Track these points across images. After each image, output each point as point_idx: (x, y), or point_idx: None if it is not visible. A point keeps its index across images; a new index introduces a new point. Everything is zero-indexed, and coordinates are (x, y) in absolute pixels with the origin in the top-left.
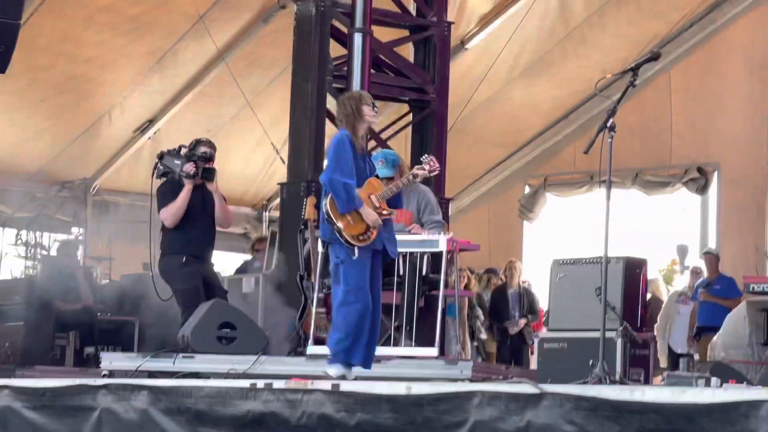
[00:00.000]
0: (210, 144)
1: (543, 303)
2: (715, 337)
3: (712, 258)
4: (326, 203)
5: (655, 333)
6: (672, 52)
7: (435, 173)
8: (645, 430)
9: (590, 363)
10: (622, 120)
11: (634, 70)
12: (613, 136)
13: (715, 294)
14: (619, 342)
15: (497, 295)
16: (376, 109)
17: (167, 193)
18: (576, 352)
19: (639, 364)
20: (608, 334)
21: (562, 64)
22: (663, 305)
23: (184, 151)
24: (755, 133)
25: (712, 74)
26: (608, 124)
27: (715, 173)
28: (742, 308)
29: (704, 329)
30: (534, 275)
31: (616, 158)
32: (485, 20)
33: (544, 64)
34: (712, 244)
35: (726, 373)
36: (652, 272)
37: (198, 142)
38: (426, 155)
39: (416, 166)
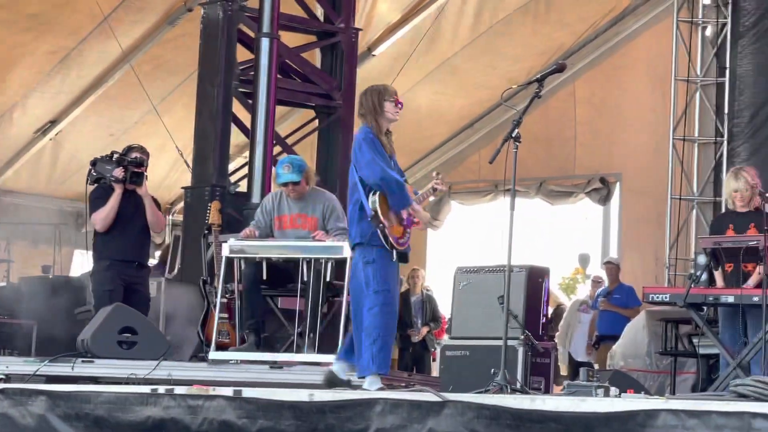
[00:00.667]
0: (142, 150)
1: (446, 310)
2: (614, 346)
3: (612, 267)
4: (375, 200)
5: (557, 341)
6: (577, 63)
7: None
8: None
9: (492, 371)
10: (527, 130)
11: (539, 81)
12: (518, 146)
13: (615, 303)
14: (520, 350)
15: (400, 302)
16: (400, 105)
17: (99, 198)
18: (478, 360)
19: (540, 373)
20: (510, 343)
21: (469, 73)
22: (564, 314)
23: (116, 156)
24: (657, 145)
25: (615, 86)
26: (513, 135)
27: (618, 184)
28: (641, 317)
29: (604, 338)
30: (438, 283)
31: (520, 167)
32: (393, 27)
33: (450, 72)
34: (613, 254)
35: (624, 382)
36: (556, 281)
37: (130, 148)
38: (436, 172)
39: (434, 181)
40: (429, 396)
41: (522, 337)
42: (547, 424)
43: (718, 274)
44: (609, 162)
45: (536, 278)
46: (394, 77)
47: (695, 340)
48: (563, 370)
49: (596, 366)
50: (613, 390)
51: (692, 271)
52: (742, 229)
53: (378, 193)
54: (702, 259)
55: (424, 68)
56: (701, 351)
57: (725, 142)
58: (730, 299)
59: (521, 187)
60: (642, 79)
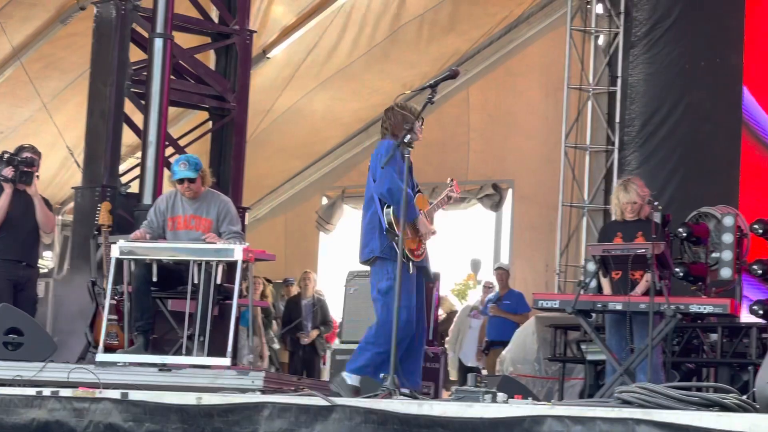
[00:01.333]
0: (33, 150)
1: (339, 315)
2: (504, 352)
3: (503, 273)
4: (390, 212)
5: (447, 346)
6: (471, 70)
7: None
8: None
9: (381, 376)
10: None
11: (433, 86)
12: (410, 152)
13: (505, 309)
14: None
15: (291, 305)
16: (422, 125)
17: None
18: None
19: (429, 378)
20: None
21: (364, 78)
22: (455, 319)
23: (6, 156)
24: (549, 153)
25: (509, 93)
26: (405, 140)
27: (510, 190)
28: (531, 323)
29: (494, 343)
30: (330, 286)
31: (414, 172)
32: (288, 30)
33: (345, 76)
34: (505, 260)
35: (513, 387)
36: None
37: (21, 148)
38: (450, 179)
39: (448, 189)
40: (317, 400)
41: None
42: (435, 429)
43: (606, 282)
44: (501, 168)
45: (427, 283)
46: (289, 80)
47: (583, 347)
48: (453, 376)
49: (486, 371)
50: (501, 396)
51: (582, 278)
52: (629, 237)
53: (391, 207)
54: (591, 267)
55: (321, 73)
56: (589, 357)
57: (616, 151)
58: (618, 306)
59: None
60: (535, 87)
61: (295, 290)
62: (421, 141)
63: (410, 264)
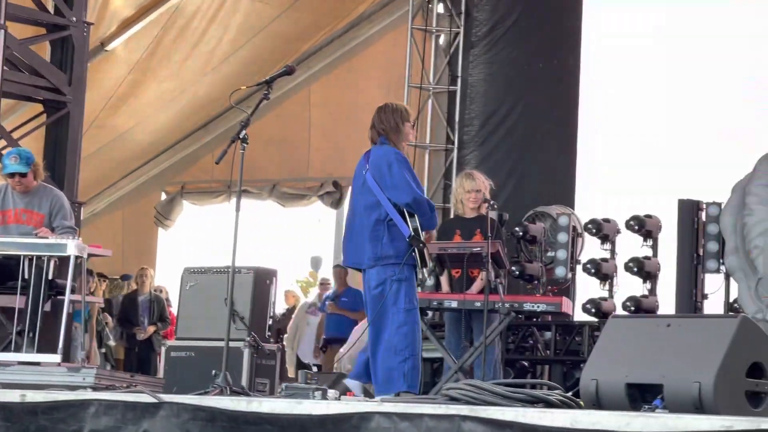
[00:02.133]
0: None
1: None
2: (341, 349)
3: (341, 271)
4: (416, 221)
5: (285, 343)
6: (313, 67)
7: None
8: None
9: (213, 373)
10: (262, 132)
11: (268, 82)
12: (246, 147)
13: (343, 306)
14: (246, 352)
15: (127, 302)
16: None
17: None
18: (203, 361)
19: (265, 374)
20: (235, 344)
21: (204, 73)
22: (293, 316)
23: None
24: None
25: (350, 91)
26: (240, 136)
27: (350, 188)
28: None
29: (331, 341)
30: (169, 283)
31: (254, 169)
32: (127, 23)
33: (186, 70)
34: None
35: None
36: (290, 283)
37: None
38: None
39: None
40: (145, 397)
41: (248, 338)
42: (263, 426)
43: (443, 279)
44: (342, 166)
45: (264, 280)
46: (127, 74)
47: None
48: (291, 373)
49: (323, 368)
50: (332, 393)
51: (420, 276)
52: (468, 234)
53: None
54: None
55: (158, 66)
56: (425, 355)
57: (455, 150)
58: (454, 304)
59: (254, 188)
60: (376, 85)
61: (131, 287)
62: (263, 137)
63: (425, 270)
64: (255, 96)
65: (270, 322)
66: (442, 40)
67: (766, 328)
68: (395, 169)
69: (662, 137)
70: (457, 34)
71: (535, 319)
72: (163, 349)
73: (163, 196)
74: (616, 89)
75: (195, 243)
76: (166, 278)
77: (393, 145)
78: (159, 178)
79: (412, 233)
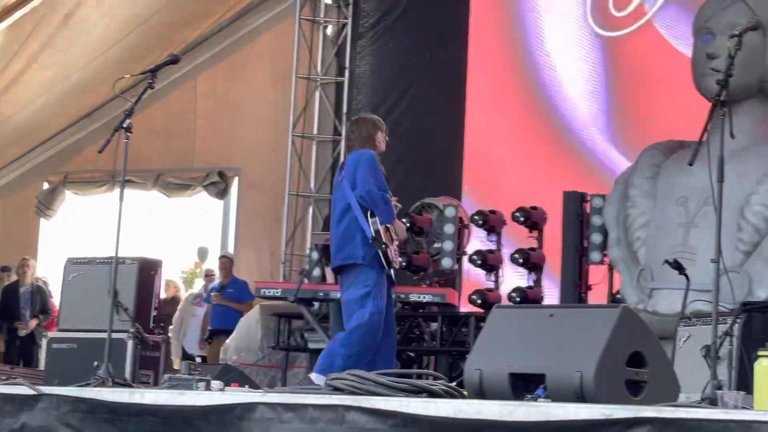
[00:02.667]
0: None
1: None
2: (228, 340)
3: (226, 261)
4: (376, 221)
5: (171, 335)
6: (199, 57)
7: None
8: None
9: (95, 364)
10: (147, 121)
11: (153, 71)
12: (129, 137)
13: (228, 297)
14: (129, 343)
15: (8, 294)
16: (387, 137)
17: None
18: (85, 353)
19: (149, 366)
20: (119, 336)
21: (90, 63)
22: (179, 307)
23: None
24: (276, 142)
25: (237, 81)
26: (124, 125)
27: (236, 179)
28: (255, 312)
29: (217, 332)
30: (51, 274)
31: (138, 159)
32: (8, 10)
33: (71, 59)
34: (232, 248)
35: (233, 376)
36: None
37: None
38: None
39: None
40: (24, 389)
41: (131, 330)
42: (145, 418)
43: (329, 270)
44: (228, 156)
45: (148, 270)
46: (9, 60)
47: (306, 335)
48: (176, 364)
49: (209, 360)
50: (216, 384)
51: (306, 266)
52: None
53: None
54: (315, 255)
55: (44, 55)
56: (312, 346)
57: (343, 141)
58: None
59: (138, 178)
60: (264, 76)
61: (12, 278)
62: (148, 127)
63: (392, 271)
64: (140, 85)
65: (155, 313)
66: (329, 30)
67: (648, 318)
68: (361, 167)
69: (547, 129)
70: (345, 25)
71: (421, 310)
72: (44, 341)
73: (45, 186)
74: (503, 81)
75: (78, 233)
76: (48, 269)
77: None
78: (41, 168)
79: (374, 234)
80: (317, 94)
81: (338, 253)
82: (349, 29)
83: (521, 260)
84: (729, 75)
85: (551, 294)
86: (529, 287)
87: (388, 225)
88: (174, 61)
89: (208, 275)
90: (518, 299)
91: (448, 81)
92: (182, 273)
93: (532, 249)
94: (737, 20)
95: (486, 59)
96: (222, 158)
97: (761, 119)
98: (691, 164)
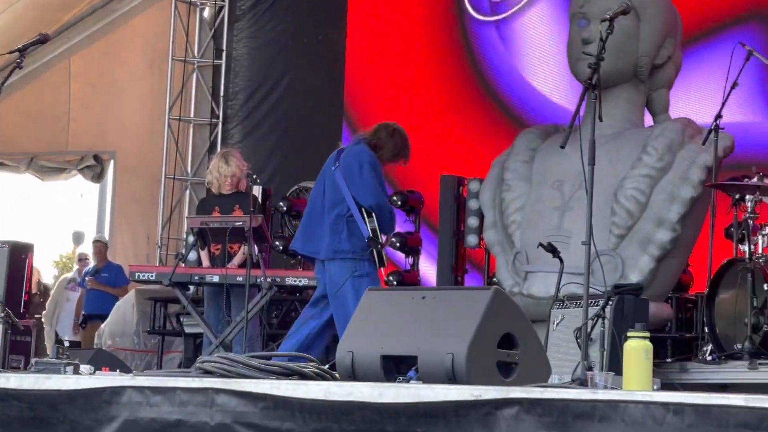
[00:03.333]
0: None
1: None
2: (102, 325)
3: (100, 246)
4: (374, 222)
5: (44, 320)
6: (73, 38)
7: None
8: (8, 418)
9: None
10: (20, 103)
11: (21, 50)
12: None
13: (103, 281)
14: (0, 327)
15: None
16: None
17: None
18: None
19: (20, 351)
20: None
21: None
22: (52, 292)
23: None
24: (152, 125)
25: (113, 63)
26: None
27: (112, 162)
28: (130, 296)
29: (92, 317)
30: None
31: (11, 142)
32: None
33: None
34: (108, 232)
35: (106, 360)
36: (54, 258)
37: None
38: None
39: None
40: None
41: (1, 314)
42: (10, 403)
43: (204, 254)
44: (104, 139)
45: (19, 255)
46: None
47: (182, 320)
48: (49, 350)
49: (83, 345)
50: (86, 368)
51: (182, 250)
52: (227, 210)
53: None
54: (190, 239)
55: None
56: (187, 330)
57: (220, 124)
58: (215, 279)
59: (11, 161)
60: (139, 58)
61: None
62: (21, 109)
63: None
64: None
65: (26, 297)
66: (206, 13)
67: (523, 301)
68: (366, 171)
69: (426, 113)
70: (222, 7)
71: (297, 294)
72: None
73: None
74: (381, 66)
75: None
76: None
77: (380, 156)
78: None
79: (371, 234)
80: (194, 77)
81: (318, 242)
82: (226, 11)
83: (398, 244)
84: (600, 59)
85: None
86: (406, 271)
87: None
88: (43, 40)
89: (82, 259)
90: (395, 282)
91: (327, 64)
92: (60, 257)
93: (409, 233)
94: (611, 5)
95: (365, 43)
96: (97, 141)
97: (634, 104)
98: (563, 147)
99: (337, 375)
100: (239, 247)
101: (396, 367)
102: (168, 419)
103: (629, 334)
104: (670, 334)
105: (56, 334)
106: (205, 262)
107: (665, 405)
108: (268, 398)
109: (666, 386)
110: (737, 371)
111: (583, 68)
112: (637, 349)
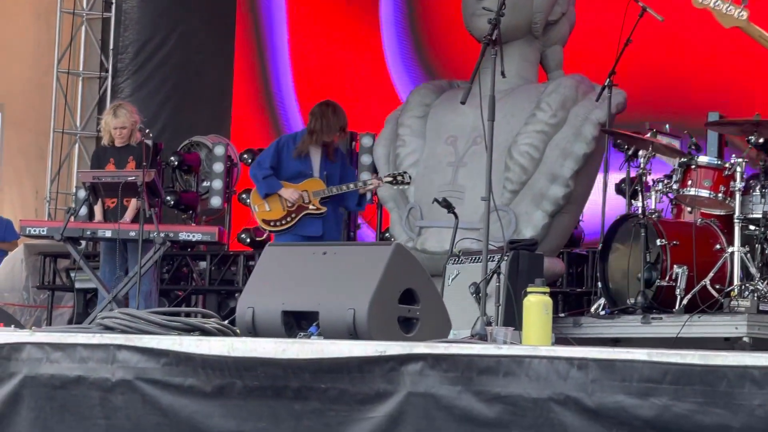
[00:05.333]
0: None
1: None
2: None
3: None
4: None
5: None
6: None
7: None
8: None
9: None
10: None
11: None
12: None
13: None
14: None
15: None
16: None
17: None
18: None
19: None
20: None
21: None
22: None
23: None
24: (41, 78)
25: (1, 17)
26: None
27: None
28: (20, 251)
29: None
30: None
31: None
32: None
33: None
34: None
35: None
36: None
37: None
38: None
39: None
40: None
41: None
42: None
43: (97, 209)
44: None
45: None
46: None
47: (72, 275)
48: None
49: None
50: None
51: (73, 205)
52: (122, 163)
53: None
54: (82, 194)
55: None
56: (78, 285)
57: (110, 77)
58: (108, 233)
59: None
60: (27, 10)
61: None
62: None
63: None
64: None
65: None
66: None
67: (417, 256)
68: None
69: (319, 69)
70: None
71: (189, 249)
72: None
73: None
74: (270, 19)
75: None
76: None
77: (312, 136)
78: None
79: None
80: (83, 30)
81: None
82: None
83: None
84: (501, 15)
85: None
86: (256, 228)
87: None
88: None
89: None
90: (248, 240)
91: (217, 18)
92: None
93: None
94: None
95: None
96: None
97: (529, 60)
98: (463, 103)
99: (238, 331)
100: (131, 202)
101: (297, 323)
102: (68, 375)
103: (529, 289)
104: (562, 289)
105: None
106: (98, 217)
107: (569, 360)
108: (170, 354)
109: (560, 340)
110: (630, 326)
111: (479, 24)
112: (537, 303)
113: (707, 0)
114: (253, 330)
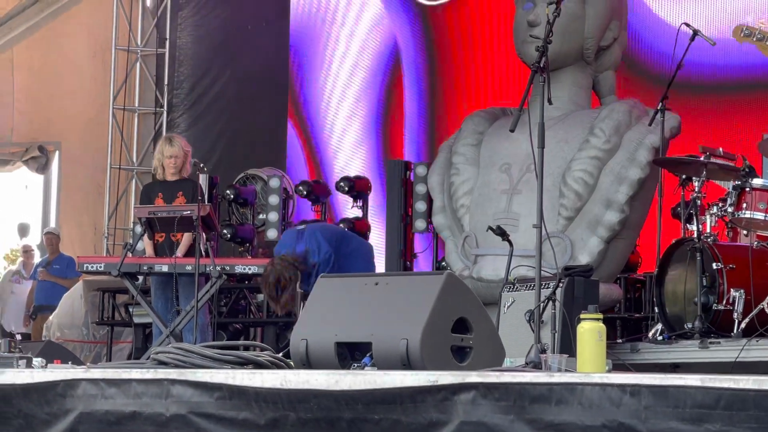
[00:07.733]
0: None
1: None
2: (51, 317)
3: (52, 237)
4: None
5: None
6: (16, 29)
7: None
8: None
9: None
10: None
11: None
12: None
13: (55, 273)
14: None
15: None
16: None
17: None
18: None
19: None
20: None
21: None
22: None
23: None
24: (97, 115)
25: (56, 53)
26: None
27: (57, 153)
28: (78, 287)
29: (42, 308)
30: None
31: None
32: None
33: None
34: (53, 224)
35: (55, 352)
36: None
37: None
38: None
39: None
40: None
41: None
42: None
43: (149, 243)
44: (48, 130)
45: None
46: None
47: (131, 310)
48: None
49: (32, 337)
50: (38, 361)
51: (130, 240)
52: (170, 198)
53: None
54: (138, 229)
55: None
56: (137, 320)
57: (165, 113)
58: (164, 268)
59: None
60: (83, 48)
61: None
62: None
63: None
64: None
65: None
66: (149, 2)
67: (473, 284)
68: None
69: (372, 99)
70: None
71: (246, 282)
72: None
73: None
74: (325, 51)
75: None
76: None
77: None
78: None
79: None
80: (138, 66)
81: None
82: (168, 0)
83: (347, 230)
84: (548, 42)
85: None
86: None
87: None
88: None
89: (26, 251)
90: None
91: (271, 52)
92: (10, 250)
93: (357, 218)
94: None
95: (308, 29)
96: (42, 132)
97: (581, 86)
98: (512, 131)
99: (291, 363)
100: (181, 236)
101: (350, 354)
102: (123, 411)
103: (582, 316)
104: (620, 314)
105: (1, 327)
106: (149, 251)
107: (622, 387)
108: (223, 388)
109: (618, 367)
110: (688, 350)
111: (529, 51)
112: (591, 330)
113: (749, 36)
114: (307, 362)
